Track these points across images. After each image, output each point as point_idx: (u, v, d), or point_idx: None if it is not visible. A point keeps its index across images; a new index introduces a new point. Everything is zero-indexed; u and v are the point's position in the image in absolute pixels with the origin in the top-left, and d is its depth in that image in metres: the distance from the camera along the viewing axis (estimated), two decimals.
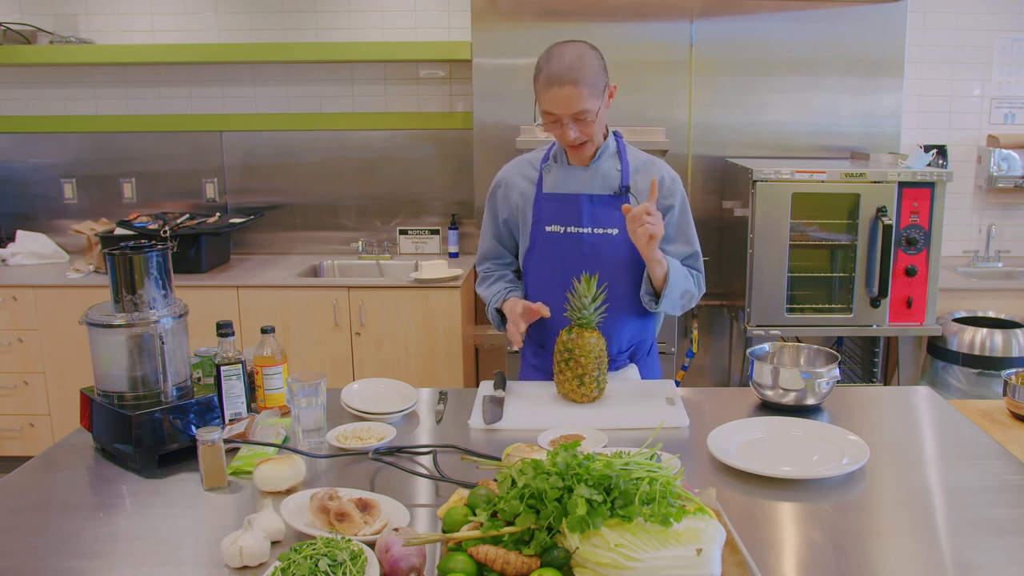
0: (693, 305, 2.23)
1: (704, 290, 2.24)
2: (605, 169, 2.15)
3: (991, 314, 3.62)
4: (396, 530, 1.27)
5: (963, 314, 3.61)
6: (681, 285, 2.12)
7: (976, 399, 2.98)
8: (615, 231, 2.14)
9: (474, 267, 2.42)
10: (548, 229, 2.17)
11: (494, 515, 1.25)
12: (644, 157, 2.20)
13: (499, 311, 2.24)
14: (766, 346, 2.16)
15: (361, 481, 1.62)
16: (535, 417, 1.93)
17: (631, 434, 1.82)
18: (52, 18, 4.08)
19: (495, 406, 1.98)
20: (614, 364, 2.21)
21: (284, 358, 1.96)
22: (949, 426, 1.91)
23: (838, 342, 3.93)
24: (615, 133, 2.20)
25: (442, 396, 2.10)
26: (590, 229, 2.15)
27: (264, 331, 1.94)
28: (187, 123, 4.17)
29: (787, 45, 3.82)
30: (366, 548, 1.25)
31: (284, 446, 1.73)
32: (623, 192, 2.14)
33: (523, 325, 2.09)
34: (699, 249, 2.24)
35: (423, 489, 1.60)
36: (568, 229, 2.16)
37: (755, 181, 3.33)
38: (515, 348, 2.13)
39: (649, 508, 1.15)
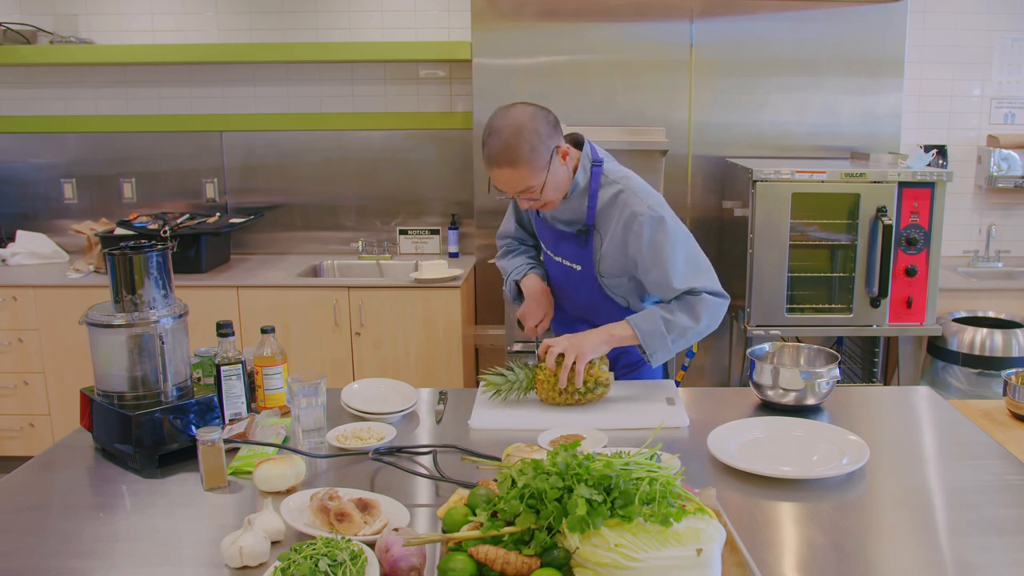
0: (708, 330, 2.03)
1: (710, 308, 2.00)
2: (572, 207, 2.06)
3: (991, 314, 3.62)
4: (396, 530, 1.27)
5: (963, 314, 3.61)
6: (658, 330, 1.98)
7: (976, 399, 2.98)
8: (579, 267, 2.13)
9: (495, 244, 2.47)
10: (542, 244, 2.27)
11: (494, 515, 1.25)
12: (614, 190, 2.03)
13: (518, 284, 2.28)
14: (766, 346, 2.16)
15: (361, 481, 1.62)
16: (535, 417, 1.93)
17: (631, 434, 1.82)
18: (52, 18, 4.07)
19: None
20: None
21: (284, 358, 1.96)
22: (949, 426, 1.91)
23: (838, 342, 3.93)
24: (594, 163, 2.05)
25: (442, 396, 2.10)
26: (560, 259, 2.18)
27: (264, 331, 1.94)
28: (187, 123, 4.17)
29: (787, 45, 3.81)
30: (366, 548, 1.25)
31: (284, 446, 1.74)
32: (587, 231, 2.07)
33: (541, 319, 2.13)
34: (681, 284, 1.99)
35: (423, 489, 1.60)
36: (549, 252, 2.23)
37: (755, 181, 3.33)
38: (532, 336, 2.16)
39: (649, 508, 1.15)
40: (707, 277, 2.03)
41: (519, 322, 2.25)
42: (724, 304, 2.04)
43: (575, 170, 2.02)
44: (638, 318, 2.01)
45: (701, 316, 2.00)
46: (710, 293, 2.01)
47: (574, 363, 1.93)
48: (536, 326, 2.20)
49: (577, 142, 2.07)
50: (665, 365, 2.37)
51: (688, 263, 2.02)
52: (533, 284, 2.24)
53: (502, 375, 2.04)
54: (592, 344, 1.96)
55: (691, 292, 2.00)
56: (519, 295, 2.29)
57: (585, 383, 1.96)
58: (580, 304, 2.22)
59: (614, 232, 2.02)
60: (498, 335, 3.93)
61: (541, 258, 2.36)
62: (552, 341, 1.99)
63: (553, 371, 1.95)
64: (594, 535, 1.15)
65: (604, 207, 2.04)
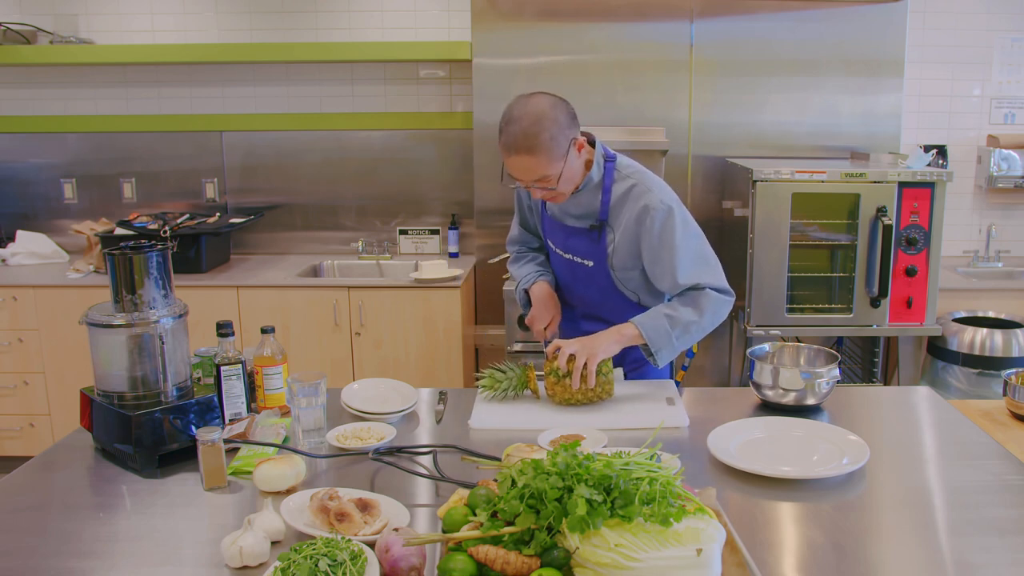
0: (712, 326, 2.04)
1: (713, 303, 2.01)
2: (585, 202, 2.08)
3: (991, 314, 3.62)
4: (396, 530, 1.27)
5: (963, 314, 3.61)
6: (662, 327, 1.99)
7: (976, 399, 2.98)
8: (591, 263, 2.14)
9: (506, 248, 2.52)
10: (549, 243, 2.27)
11: (494, 515, 1.25)
12: (627, 184, 2.05)
13: (527, 292, 2.31)
14: (766, 346, 2.16)
15: (361, 481, 1.62)
16: (535, 417, 1.93)
17: (631, 434, 1.82)
18: (52, 18, 4.07)
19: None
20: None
21: (284, 358, 1.96)
22: (949, 426, 1.91)
23: (838, 342, 3.93)
24: (607, 159, 2.07)
25: (442, 396, 2.10)
26: (571, 256, 2.19)
27: (264, 331, 1.94)
28: (187, 123, 4.17)
29: (787, 45, 3.81)
30: (366, 548, 1.25)
31: (284, 446, 1.74)
32: (600, 226, 2.08)
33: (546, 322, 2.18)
34: (685, 280, 2.01)
35: (423, 489, 1.60)
36: (557, 250, 2.23)
37: (755, 181, 3.33)
38: (540, 340, 2.20)
39: (649, 508, 1.15)
40: (714, 273, 2.05)
41: (519, 322, 2.27)
42: (729, 301, 2.05)
43: (588, 164, 2.05)
44: (643, 317, 2.02)
45: (704, 310, 2.01)
46: (715, 289, 2.03)
47: (585, 364, 1.94)
48: (545, 328, 2.21)
49: (589, 140, 2.08)
50: (670, 364, 2.38)
51: (696, 259, 2.04)
52: (541, 290, 2.27)
53: (501, 371, 2.06)
54: (603, 345, 1.98)
55: (695, 288, 2.02)
56: (528, 302, 2.31)
57: (599, 383, 1.98)
58: (589, 300, 2.23)
59: (627, 226, 2.04)
60: (498, 335, 3.93)
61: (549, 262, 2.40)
62: (562, 342, 2.00)
63: (564, 372, 1.96)
64: (594, 535, 1.15)
65: (617, 201, 2.06)
